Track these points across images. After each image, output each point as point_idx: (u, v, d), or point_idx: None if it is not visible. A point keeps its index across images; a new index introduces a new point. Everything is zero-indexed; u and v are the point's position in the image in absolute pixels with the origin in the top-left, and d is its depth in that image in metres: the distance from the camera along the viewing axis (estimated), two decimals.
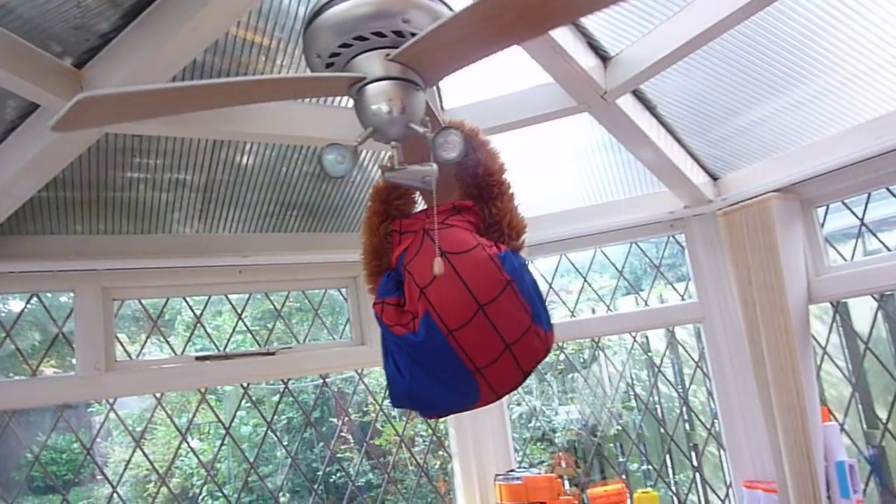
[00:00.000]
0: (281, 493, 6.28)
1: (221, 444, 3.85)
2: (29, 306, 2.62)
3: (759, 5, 1.90)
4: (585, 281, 3.28)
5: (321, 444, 6.15)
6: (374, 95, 1.24)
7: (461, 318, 1.33)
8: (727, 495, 3.02)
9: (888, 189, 2.56)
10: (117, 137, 2.26)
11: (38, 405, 2.99)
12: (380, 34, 1.24)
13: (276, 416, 6.03)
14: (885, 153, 2.35)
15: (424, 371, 1.38)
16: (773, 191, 2.62)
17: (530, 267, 1.53)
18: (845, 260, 2.71)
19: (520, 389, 5.31)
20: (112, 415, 2.75)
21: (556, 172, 3.12)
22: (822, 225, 2.72)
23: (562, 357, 4.90)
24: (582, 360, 4.84)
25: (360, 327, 3.01)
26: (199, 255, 2.69)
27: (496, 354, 1.33)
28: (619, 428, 4.05)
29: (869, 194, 2.63)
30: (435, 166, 1.33)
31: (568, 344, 4.76)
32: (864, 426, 3.06)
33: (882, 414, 2.79)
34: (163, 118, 2.07)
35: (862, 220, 2.68)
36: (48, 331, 2.78)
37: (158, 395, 2.73)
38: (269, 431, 3.16)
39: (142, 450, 3.01)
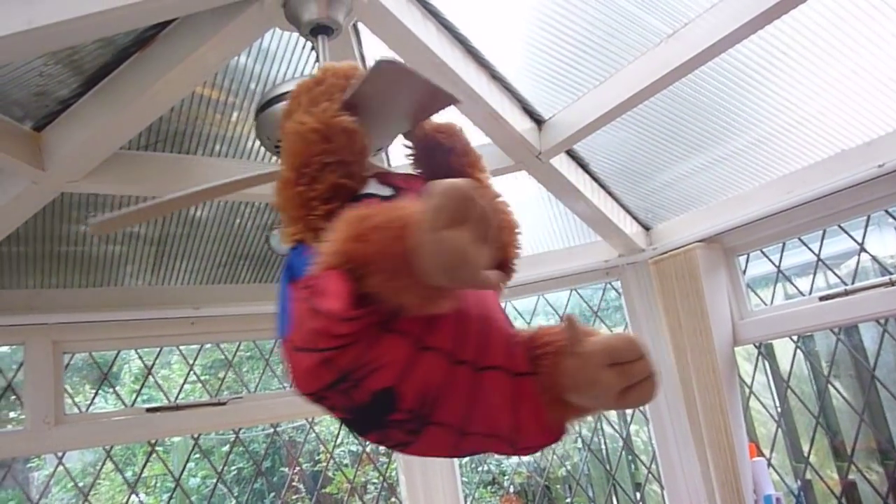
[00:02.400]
0: None
1: (170, 498, 3.79)
2: None
3: (677, 75, 2.11)
4: (529, 326, 3.42)
5: (272, 493, 6.07)
6: None
7: None
8: None
9: (800, 239, 2.79)
10: (72, 196, 2.33)
11: None
12: None
13: (226, 467, 5.93)
14: (796, 206, 2.57)
15: None
16: (699, 241, 2.83)
17: None
18: (766, 304, 2.92)
19: None
20: (52, 469, 2.73)
21: (529, 219, 3.28)
22: (744, 272, 2.93)
23: None
24: None
25: None
26: (150, 307, 2.73)
27: None
28: (567, 469, 4.16)
29: (784, 243, 2.86)
30: None
31: None
32: (792, 461, 3.24)
33: (806, 449, 2.98)
34: (114, 180, 2.16)
35: (779, 267, 2.90)
36: None
37: (108, 447, 2.73)
38: (218, 483, 3.16)
39: (98, 501, 2.97)
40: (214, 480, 5.96)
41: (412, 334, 0.83)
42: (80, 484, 6.62)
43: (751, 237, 2.83)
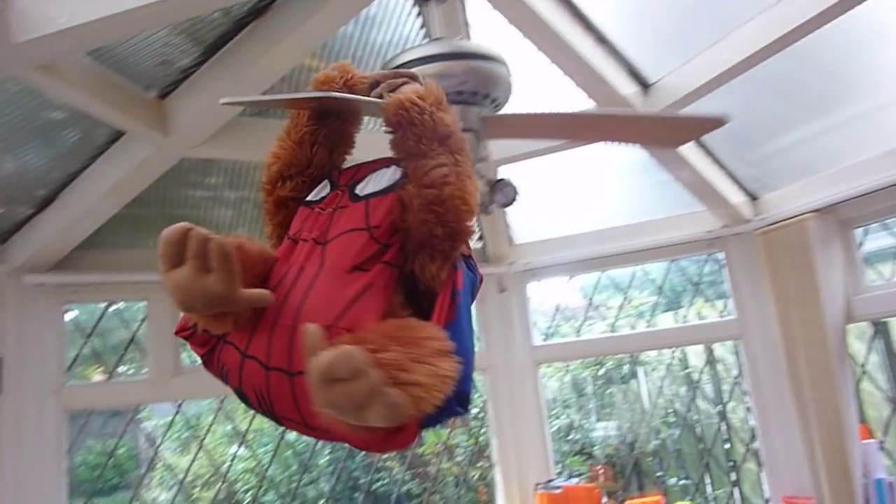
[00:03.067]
0: (322, 500, 6.44)
1: (276, 451, 4.02)
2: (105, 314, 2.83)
3: (799, 34, 1.99)
4: (626, 297, 3.37)
5: (363, 452, 6.31)
6: None
7: None
8: None
9: None
10: (188, 162, 2.46)
11: (114, 406, 3.20)
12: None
13: None
14: None
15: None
16: (812, 211, 2.69)
17: None
18: (884, 280, 2.75)
19: (559, 403, 5.40)
20: (160, 421, 2.93)
21: (598, 191, 3.23)
22: (861, 245, 2.77)
23: (601, 372, 4.97)
24: (621, 375, 4.90)
25: None
26: None
27: None
28: (658, 443, 4.10)
29: None
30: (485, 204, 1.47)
31: (608, 359, 4.83)
32: None
33: None
34: (230, 144, 2.26)
35: None
36: (121, 337, 2.99)
37: (220, 399, 2.91)
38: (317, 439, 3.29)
39: (204, 449, 3.19)
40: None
41: (239, 346, 0.96)
42: (185, 435, 7.11)
43: (869, 209, 2.65)
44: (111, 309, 2.83)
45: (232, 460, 6.11)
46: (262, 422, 6.25)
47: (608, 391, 5.25)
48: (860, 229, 2.78)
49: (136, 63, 1.97)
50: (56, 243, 2.40)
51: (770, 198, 2.94)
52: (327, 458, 6.47)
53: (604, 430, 5.01)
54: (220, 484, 6.32)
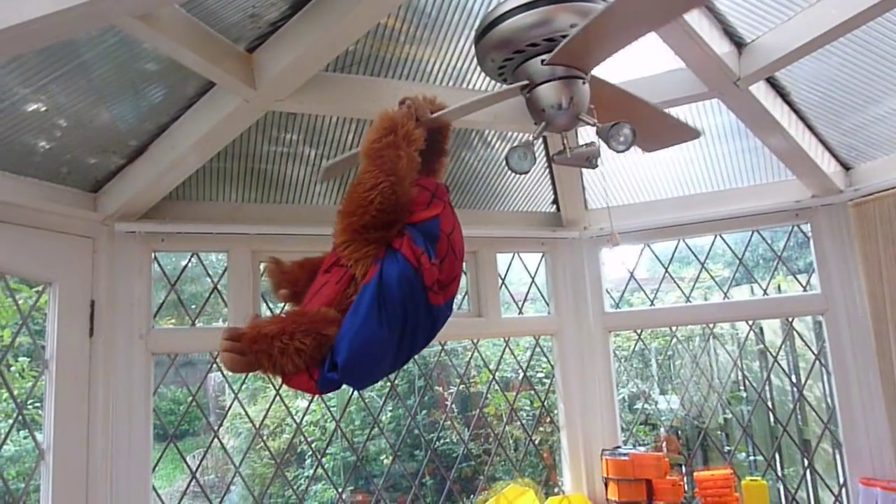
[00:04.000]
0: (384, 456, 6.61)
1: (347, 405, 4.16)
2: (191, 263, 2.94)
3: None
4: (703, 267, 3.28)
5: (424, 411, 6.42)
6: (544, 96, 1.38)
7: (456, 284, 1.51)
8: (840, 492, 2.97)
9: None
10: (271, 116, 2.50)
11: (197, 351, 3.34)
12: (551, 39, 1.37)
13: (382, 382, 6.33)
14: None
15: (415, 341, 1.40)
16: None
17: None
18: None
19: (628, 373, 5.34)
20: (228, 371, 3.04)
21: (679, 157, 3.12)
22: None
23: (673, 342, 4.87)
24: (691, 347, 4.80)
25: (478, 299, 3.16)
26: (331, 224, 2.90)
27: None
28: (727, 417, 4.02)
29: None
30: (595, 146, 1.46)
31: (679, 329, 4.73)
32: None
33: None
34: (315, 99, 2.28)
35: None
36: (203, 286, 3.10)
37: None
38: (372, 394, 3.35)
39: (281, 399, 3.30)
40: (372, 393, 6.40)
41: None
42: (254, 386, 7.38)
43: None
44: (194, 259, 2.93)
45: (303, 414, 6.33)
46: None
47: (678, 363, 5.16)
48: None
49: (227, 16, 2.00)
50: (146, 193, 2.49)
51: (865, 168, 2.79)
52: (389, 415, 6.62)
53: (669, 402, 4.94)
54: (286, 434, 6.57)
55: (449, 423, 5.00)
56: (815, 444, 3.43)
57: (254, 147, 2.65)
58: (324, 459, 6.83)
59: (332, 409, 6.71)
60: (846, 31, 2.07)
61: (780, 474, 3.82)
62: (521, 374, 3.65)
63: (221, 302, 2.89)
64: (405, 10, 2.23)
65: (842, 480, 2.97)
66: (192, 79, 2.15)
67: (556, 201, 3.25)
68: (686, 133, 1.74)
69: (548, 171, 3.08)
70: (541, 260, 3.35)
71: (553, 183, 3.14)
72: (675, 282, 3.26)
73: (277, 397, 3.24)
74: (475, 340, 3.39)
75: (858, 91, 2.51)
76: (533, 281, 3.37)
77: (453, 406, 5.74)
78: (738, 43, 2.29)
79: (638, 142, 1.52)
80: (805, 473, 3.50)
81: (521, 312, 3.41)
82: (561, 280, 3.25)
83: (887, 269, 2.58)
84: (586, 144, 1.47)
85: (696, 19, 2.14)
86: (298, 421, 4.03)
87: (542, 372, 4.59)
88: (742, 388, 4.38)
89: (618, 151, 1.42)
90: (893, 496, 2.56)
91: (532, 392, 3.84)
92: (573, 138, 1.72)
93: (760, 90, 2.43)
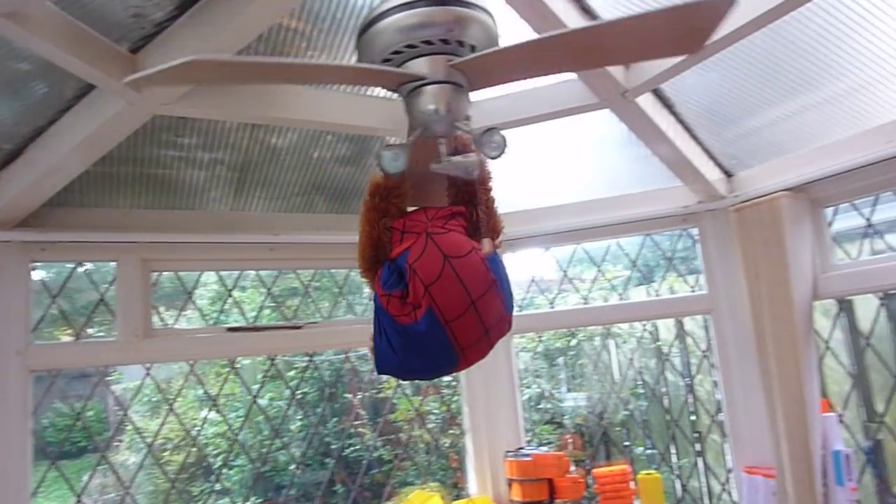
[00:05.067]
0: (294, 466, 6.48)
1: (248, 414, 4.03)
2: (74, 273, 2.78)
3: (781, 11, 1.99)
4: (599, 270, 3.40)
5: (335, 418, 6.35)
6: (428, 96, 1.39)
7: (457, 311, 1.54)
8: (727, 480, 3.15)
9: (895, 192, 2.65)
10: (160, 120, 2.40)
11: (82, 367, 3.15)
12: (429, 42, 1.37)
13: (296, 391, 6.21)
14: (891, 158, 2.43)
15: (417, 352, 1.61)
16: (784, 190, 2.72)
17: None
18: (851, 259, 2.81)
19: (531, 373, 5.47)
20: (130, 384, 2.91)
21: (576, 164, 3.23)
22: (830, 225, 2.82)
23: (573, 343, 5.03)
24: (592, 347, 4.97)
25: None
26: (232, 231, 2.83)
27: (478, 337, 1.58)
28: (627, 414, 4.19)
29: (877, 196, 2.73)
30: (475, 157, 1.48)
31: (580, 331, 4.89)
32: (864, 420, 3.17)
33: (881, 409, 2.90)
34: (206, 103, 2.21)
35: (869, 221, 2.78)
36: (90, 298, 2.94)
37: (191, 363, 2.88)
38: (281, 403, 3.30)
39: (175, 414, 3.17)
40: (280, 403, 6.25)
41: None
42: (155, 399, 7.07)
43: (840, 189, 2.70)
44: (80, 269, 2.78)
45: (202, 424, 6.10)
46: (234, 386, 6.26)
47: (579, 362, 5.33)
48: (830, 209, 2.82)
49: (108, 15, 1.90)
50: (22, 199, 2.33)
51: (745, 175, 2.97)
52: (299, 423, 6.50)
53: (574, 401, 5.10)
54: (190, 448, 6.31)
55: (359, 429, 4.95)
56: (705, 436, 3.63)
57: (145, 151, 2.53)
58: (231, 472, 6.62)
59: (236, 419, 6.53)
60: (720, 48, 2.19)
61: (675, 466, 4.02)
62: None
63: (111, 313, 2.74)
64: (303, 11, 2.19)
65: (728, 469, 3.15)
66: (70, 80, 2.03)
67: None
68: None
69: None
70: None
71: None
72: (572, 284, 3.36)
73: (193, 408, 3.09)
74: None
75: (737, 104, 2.68)
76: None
77: (363, 412, 5.71)
78: None
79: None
80: (696, 464, 3.69)
81: None
82: None
83: (764, 271, 2.76)
84: (463, 155, 1.49)
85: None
86: (204, 433, 3.86)
87: (450, 375, 4.62)
88: (640, 385, 4.58)
89: (491, 158, 1.45)
90: (773, 483, 2.74)
91: (439, 396, 3.86)
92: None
93: (648, 102, 2.55)
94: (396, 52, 1.39)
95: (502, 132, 1.43)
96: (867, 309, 3.08)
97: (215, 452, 6.66)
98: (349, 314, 3.37)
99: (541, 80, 2.58)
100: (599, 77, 2.31)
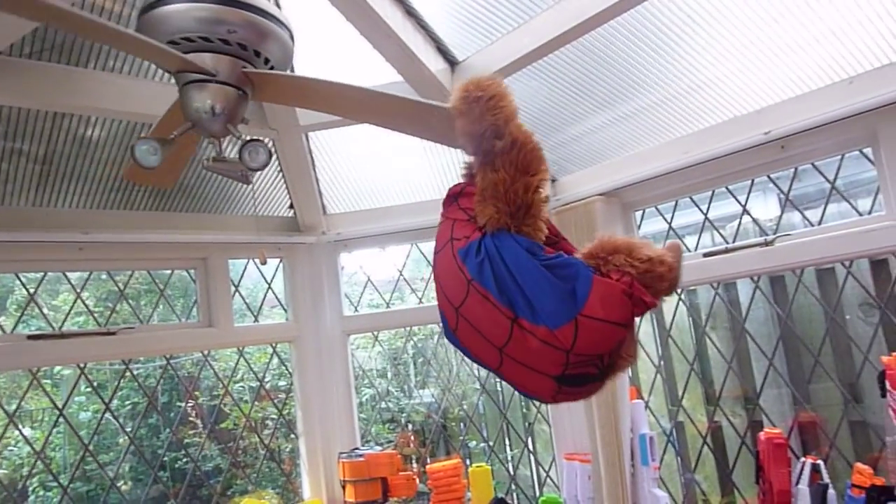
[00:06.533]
0: (122, 482, 6.02)
1: (53, 427, 3.68)
2: None
3: (590, 26, 2.15)
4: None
5: (168, 429, 5.97)
6: (212, 93, 1.34)
7: (451, 319, 1.28)
8: (551, 466, 3.35)
9: (691, 199, 2.94)
10: None
11: None
12: (226, 42, 1.33)
13: (119, 402, 5.78)
14: (690, 166, 2.70)
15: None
16: (599, 194, 2.93)
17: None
18: None
19: (373, 372, 5.47)
20: None
21: (409, 165, 3.27)
22: (639, 226, 3.08)
23: (413, 342, 5.11)
24: (433, 346, 5.07)
25: (209, 309, 3.00)
26: (35, 229, 2.57)
27: (497, 359, 1.24)
28: (465, 410, 4.32)
29: (676, 202, 3.01)
30: (243, 171, 1.45)
31: (419, 330, 4.97)
32: (668, 405, 3.49)
33: (682, 395, 3.22)
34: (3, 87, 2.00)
35: (670, 224, 3.06)
36: None
37: None
38: (108, 416, 3.07)
39: None
40: (104, 414, 5.79)
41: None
42: None
43: (647, 193, 2.95)
44: None
45: (15, 443, 5.51)
46: (44, 401, 5.70)
47: (420, 361, 5.41)
48: (639, 212, 3.08)
49: None
50: None
51: (566, 180, 3.17)
52: (126, 437, 6.05)
53: (417, 399, 5.17)
54: (3, 470, 5.69)
55: (195, 439, 4.70)
56: (532, 426, 3.83)
57: None
58: (50, 493, 6.03)
59: (56, 435, 5.96)
60: (542, 55, 2.33)
61: (507, 456, 4.21)
62: (266, 384, 3.57)
63: None
64: None
65: (552, 457, 3.34)
66: None
67: (292, 205, 3.22)
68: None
69: (281, 174, 3.04)
70: (278, 265, 3.30)
71: (287, 187, 3.10)
72: (410, 286, 3.41)
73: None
74: (206, 352, 3.23)
75: (558, 113, 2.85)
76: (270, 287, 3.30)
77: (200, 421, 5.43)
78: (452, 62, 2.46)
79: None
80: (523, 453, 3.88)
81: (256, 320, 3.33)
82: (299, 285, 3.23)
83: None
84: (231, 161, 1.46)
85: (412, 38, 2.26)
86: (18, 452, 3.49)
87: (285, 380, 4.52)
88: (477, 381, 4.73)
89: (251, 169, 1.44)
90: (588, 467, 2.94)
91: (278, 401, 3.77)
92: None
93: None
94: (187, 39, 1.33)
95: (265, 147, 1.43)
96: (670, 304, 3.39)
97: (29, 471, 6.04)
98: (172, 318, 3.19)
99: (370, 81, 2.59)
100: (426, 80, 2.36)
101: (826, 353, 2.99)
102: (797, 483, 2.28)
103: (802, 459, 2.33)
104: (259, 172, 2.33)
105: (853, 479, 2.15)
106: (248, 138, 1.41)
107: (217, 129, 1.38)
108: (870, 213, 2.41)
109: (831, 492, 2.21)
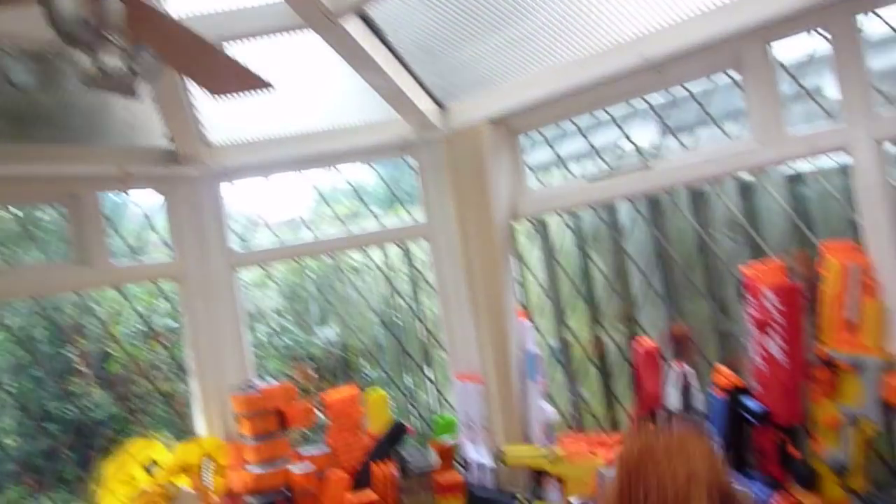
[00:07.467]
0: (9, 439, 5.73)
1: None
2: None
3: None
4: (326, 202, 3.43)
5: (56, 379, 5.70)
6: None
7: None
8: (449, 392, 3.46)
9: (576, 126, 3.02)
10: None
11: None
12: None
13: None
14: (574, 91, 2.75)
15: None
16: (487, 120, 2.96)
17: None
18: (544, 185, 3.17)
19: (272, 311, 5.40)
20: None
21: (298, 94, 3.15)
22: (524, 152, 3.14)
23: (309, 277, 5.07)
24: (333, 281, 5.05)
25: (81, 246, 2.83)
26: None
27: None
28: (364, 342, 4.37)
29: (564, 132, 3.09)
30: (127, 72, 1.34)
31: (319, 267, 4.92)
32: (556, 325, 3.65)
33: (568, 315, 3.38)
34: None
35: (557, 153, 3.15)
36: None
37: None
38: None
39: None
40: None
41: None
42: None
43: (532, 119, 3.01)
44: None
45: None
46: None
47: (321, 297, 5.39)
48: (525, 137, 3.14)
49: None
50: None
51: (455, 107, 3.15)
52: (15, 389, 5.73)
53: (322, 335, 5.17)
54: None
55: (86, 388, 4.51)
56: (432, 353, 3.94)
57: None
58: None
59: None
60: None
61: (405, 383, 4.33)
62: (159, 327, 3.44)
63: None
64: None
65: (447, 379, 3.44)
66: None
67: (173, 138, 3.04)
68: (255, 82, 1.73)
69: (156, 102, 2.85)
70: (162, 205, 3.14)
71: (162, 116, 2.92)
72: (305, 223, 3.34)
73: None
74: (81, 293, 3.07)
75: (446, 37, 2.80)
76: (151, 225, 3.15)
77: (88, 369, 5.20)
78: None
79: (203, 84, 1.48)
80: (423, 379, 4.00)
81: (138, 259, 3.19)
82: (181, 221, 3.09)
83: (471, 197, 3.01)
84: (113, 69, 1.33)
85: None
86: None
87: (178, 322, 4.39)
88: (375, 313, 4.78)
89: (146, 81, 1.34)
90: (481, 387, 3.06)
91: (168, 343, 3.66)
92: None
93: (358, 28, 2.56)
94: None
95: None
96: (560, 228, 3.52)
97: None
98: (41, 258, 2.99)
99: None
100: None
101: (698, 270, 3.20)
102: (667, 386, 2.46)
103: (672, 366, 2.51)
104: (131, 100, 2.16)
105: (714, 379, 2.35)
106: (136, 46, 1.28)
107: (88, 38, 1.24)
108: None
109: (696, 392, 2.41)
